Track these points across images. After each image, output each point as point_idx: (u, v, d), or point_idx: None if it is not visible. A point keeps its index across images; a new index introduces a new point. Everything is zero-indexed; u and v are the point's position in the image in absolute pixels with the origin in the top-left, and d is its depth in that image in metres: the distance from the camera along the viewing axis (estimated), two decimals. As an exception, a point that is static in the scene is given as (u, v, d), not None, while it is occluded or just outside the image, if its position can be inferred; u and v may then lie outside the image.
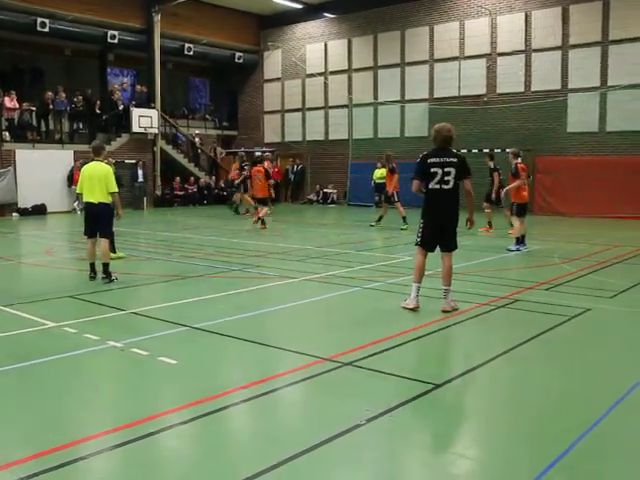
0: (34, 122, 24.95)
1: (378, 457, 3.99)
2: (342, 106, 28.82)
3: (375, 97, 27.81)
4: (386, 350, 6.07)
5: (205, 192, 29.20)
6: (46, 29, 24.37)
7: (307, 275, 10.15)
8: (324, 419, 4.54)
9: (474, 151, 22.61)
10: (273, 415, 4.69)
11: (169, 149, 28.47)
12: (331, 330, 7.14)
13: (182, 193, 28.44)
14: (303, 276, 10.08)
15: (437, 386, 5.13)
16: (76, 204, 24.11)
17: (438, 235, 7.72)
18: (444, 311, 7.58)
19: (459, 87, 25.40)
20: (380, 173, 21.20)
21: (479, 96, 24.82)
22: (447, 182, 7.54)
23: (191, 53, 29.25)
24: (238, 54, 30.99)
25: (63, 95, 25.53)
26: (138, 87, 28.93)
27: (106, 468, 3.92)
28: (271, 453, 3.95)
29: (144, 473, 3.82)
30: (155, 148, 27.69)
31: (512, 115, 23.94)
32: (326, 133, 29.68)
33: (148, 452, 4.11)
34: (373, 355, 5.88)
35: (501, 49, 24.33)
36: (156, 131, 27.32)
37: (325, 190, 29.38)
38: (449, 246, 7.78)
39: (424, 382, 5.22)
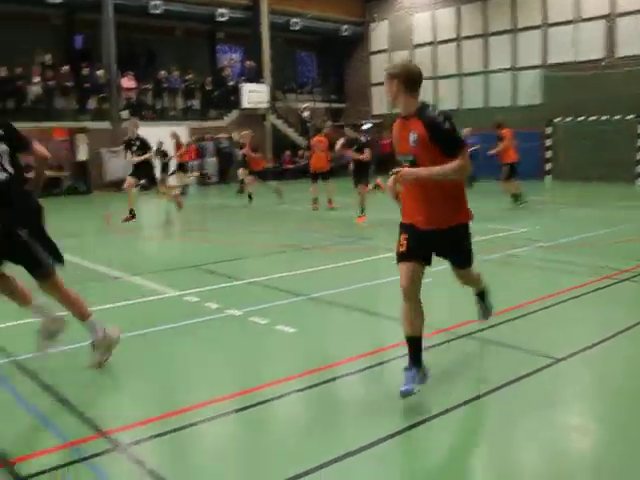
0: (150, 101, 25.93)
1: (498, 429, 3.97)
2: (451, 76, 28.23)
3: (485, 65, 27.06)
4: (501, 324, 5.97)
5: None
6: (158, 11, 25.16)
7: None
8: (441, 390, 4.54)
9: (591, 119, 21.64)
10: (387, 385, 4.73)
11: (279, 123, 28.86)
12: (447, 302, 7.09)
13: (292, 166, 28.80)
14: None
15: (558, 360, 5.02)
16: (191, 178, 24.94)
17: None
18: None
19: (575, 52, 24.30)
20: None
21: (597, 60, 23.66)
22: None
23: (297, 27, 29.44)
24: (344, 27, 30.93)
25: (176, 74, 26.32)
26: (247, 63, 29.41)
27: (221, 433, 4.08)
28: (385, 423, 3.99)
29: (257, 439, 3.96)
30: (265, 123, 28.13)
31: (635, 80, 22.67)
32: (435, 104, 29.14)
33: (262, 419, 4.24)
34: (489, 328, 5.80)
35: (622, 8, 23.03)
36: (266, 106, 27.74)
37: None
38: None
39: (544, 356, 5.11)
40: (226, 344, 5.77)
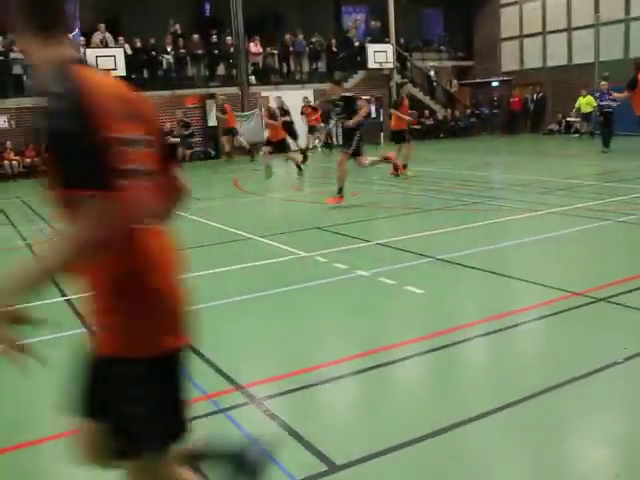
0: (276, 65, 26.28)
1: (634, 398, 3.79)
2: (587, 26, 26.64)
3: (627, 12, 25.33)
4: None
5: (441, 125, 28.92)
6: (285, -26, 25.31)
7: (551, 208, 9.72)
8: (575, 356, 4.37)
9: None
10: (519, 349, 4.62)
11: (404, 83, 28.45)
12: (580, 264, 6.81)
13: (418, 127, 28.39)
14: (547, 209, 9.67)
15: None
16: (317, 141, 25.21)
17: None
18: None
19: None
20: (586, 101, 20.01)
21: None
22: None
23: (423, -17, 28.75)
24: (472, -21, 29.92)
25: (301, 37, 26.46)
26: (372, 23, 29.07)
27: (347, 392, 4.15)
28: (513, 390, 3.90)
29: (381, 399, 3.96)
30: (391, 83, 27.82)
31: None
32: (569, 57, 27.72)
33: (388, 379, 4.26)
34: (630, 292, 5.52)
35: None
36: (391, 66, 27.40)
37: (568, 119, 27.62)
38: None
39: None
40: (355, 304, 5.83)
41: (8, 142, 20.83)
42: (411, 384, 4.24)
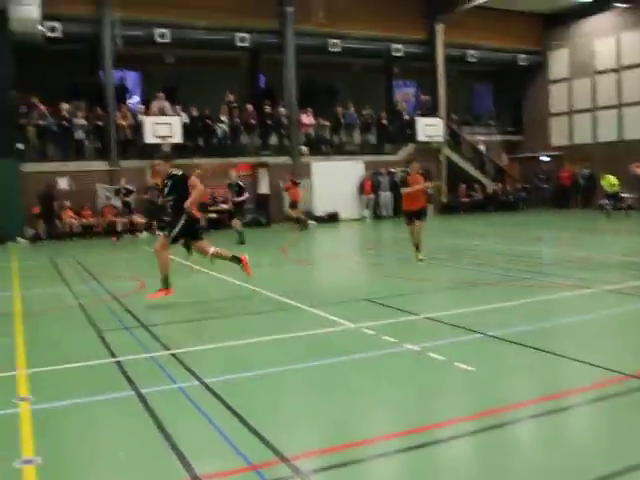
0: (328, 136, 26.80)
1: None
2: (638, 103, 26.62)
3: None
4: None
5: (491, 199, 28.88)
6: (337, 49, 26.08)
7: (605, 285, 9.53)
8: (629, 443, 4.21)
9: None
10: (571, 433, 4.48)
11: (454, 156, 28.66)
12: (636, 345, 6.62)
13: (467, 200, 28.40)
14: (600, 286, 9.48)
15: None
16: (365, 212, 25.44)
17: None
18: None
19: None
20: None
21: None
22: None
23: (473, 59, 29.24)
24: (520, 56, 30.34)
25: (352, 109, 27.01)
26: (422, 97, 29.56)
27: (387, 472, 4.04)
28: (564, 476, 3.77)
29: None
30: (440, 156, 28.05)
31: None
32: (619, 133, 27.64)
33: (435, 460, 4.15)
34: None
35: None
36: (441, 139, 27.68)
37: (620, 194, 27.27)
38: None
39: None
40: (403, 378, 5.74)
41: (67, 202, 21.55)
42: (457, 466, 4.11)
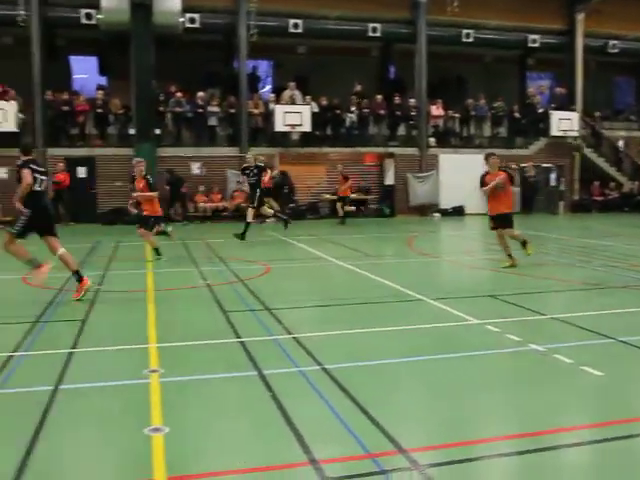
0: (457, 128, 26.34)
1: None
2: None
3: None
4: None
5: (627, 198, 27.38)
6: (470, 39, 25.51)
7: None
8: None
9: None
10: None
11: (589, 152, 27.40)
12: None
13: (601, 199, 27.09)
14: None
15: None
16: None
17: None
18: None
19: None
20: None
21: None
22: None
23: (615, 50, 27.72)
24: (672, 46, 28.46)
25: (483, 101, 26.37)
26: (557, 90, 28.39)
27: (503, 474, 3.96)
28: None
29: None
30: (574, 152, 26.90)
31: None
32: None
33: (549, 466, 3.98)
34: None
35: None
36: (576, 134, 26.53)
37: None
38: None
39: None
40: (526, 379, 5.57)
41: (201, 187, 22.46)
42: (577, 475, 3.95)
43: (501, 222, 11.21)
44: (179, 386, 5.31)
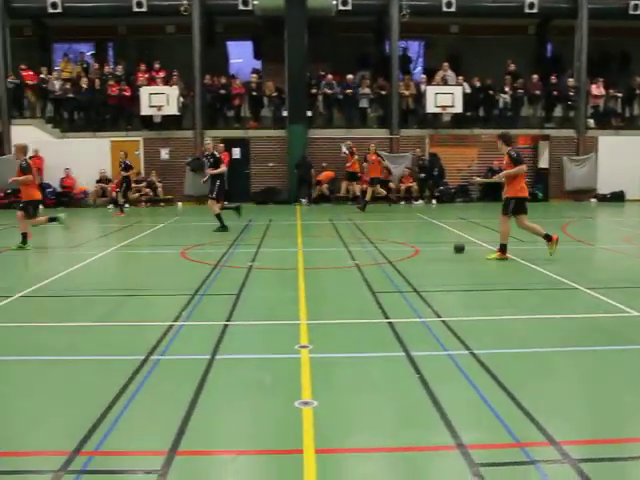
0: (619, 108, 24.80)
1: None
2: None
3: None
4: None
5: None
6: (638, 11, 23.82)
7: None
8: None
9: None
10: None
11: None
12: None
13: None
14: None
15: None
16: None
17: None
18: None
19: None
20: None
21: None
22: None
23: None
24: None
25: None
26: None
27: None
28: None
29: None
30: None
31: None
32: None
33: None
34: None
35: None
36: None
37: None
38: None
39: None
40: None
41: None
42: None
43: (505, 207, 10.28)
44: (328, 362, 5.43)
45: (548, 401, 4.64)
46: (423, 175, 22.73)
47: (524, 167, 10.32)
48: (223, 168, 14.67)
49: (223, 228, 14.20)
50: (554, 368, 5.37)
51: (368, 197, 19.50)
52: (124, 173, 19.23)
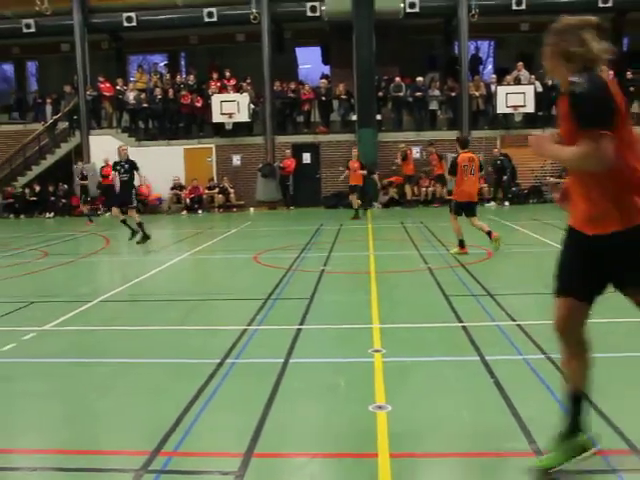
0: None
1: None
2: None
3: None
4: None
5: None
6: None
7: None
8: None
9: None
10: None
11: None
12: None
13: None
14: None
15: None
16: None
17: None
18: None
19: None
20: None
21: None
22: None
23: None
24: None
25: None
26: None
27: None
28: None
29: None
30: None
31: None
32: None
33: None
34: None
35: None
36: None
37: None
38: None
39: None
40: None
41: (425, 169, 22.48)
42: None
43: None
44: (401, 366, 5.42)
45: (631, 408, 4.50)
46: (495, 177, 22.40)
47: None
48: (138, 175, 13.67)
49: (145, 237, 13.38)
50: (634, 373, 5.20)
51: (355, 205, 18.49)
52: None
